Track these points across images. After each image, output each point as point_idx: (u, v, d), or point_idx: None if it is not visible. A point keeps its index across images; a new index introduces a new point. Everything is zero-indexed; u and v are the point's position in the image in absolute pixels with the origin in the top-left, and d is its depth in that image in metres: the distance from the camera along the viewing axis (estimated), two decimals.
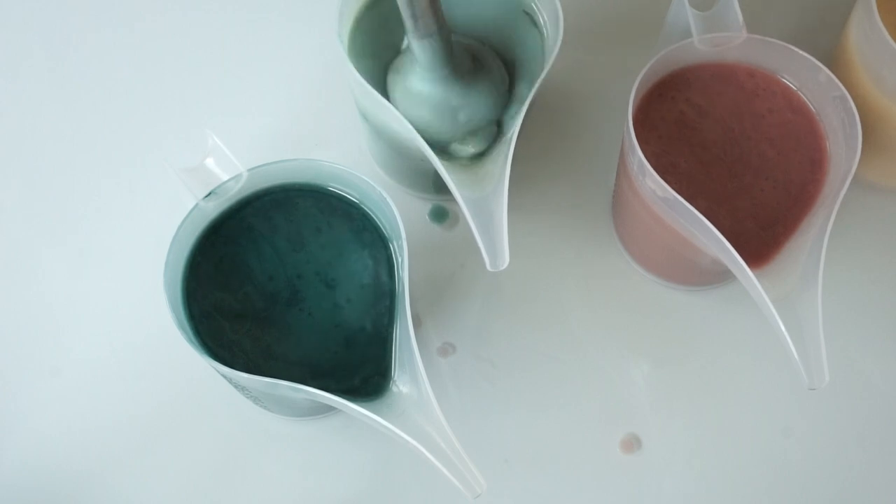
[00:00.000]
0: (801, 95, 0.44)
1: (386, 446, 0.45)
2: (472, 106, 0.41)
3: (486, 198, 0.38)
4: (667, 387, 0.48)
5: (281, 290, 0.40)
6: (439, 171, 0.39)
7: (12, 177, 0.52)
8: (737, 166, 0.43)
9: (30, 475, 0.45)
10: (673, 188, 0.39)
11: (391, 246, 0.40)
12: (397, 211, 0.38)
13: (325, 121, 0.53)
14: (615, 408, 0.47)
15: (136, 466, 0.45)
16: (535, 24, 0.43)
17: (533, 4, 0.43)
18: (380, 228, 0.41)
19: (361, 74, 0.40)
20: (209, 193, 0.39)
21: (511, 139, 0.39)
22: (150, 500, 0.45)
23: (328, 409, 0.44)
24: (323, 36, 0.45)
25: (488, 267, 0.37)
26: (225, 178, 0.39)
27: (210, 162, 0.39)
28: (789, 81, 0.45)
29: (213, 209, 0.40)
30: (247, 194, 0.41)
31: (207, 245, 0.40)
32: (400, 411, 0.36)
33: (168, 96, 0.54)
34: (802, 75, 0.44)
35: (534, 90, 0.40)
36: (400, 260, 0.40)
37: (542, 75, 0.40)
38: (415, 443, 0.34)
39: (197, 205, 0.39)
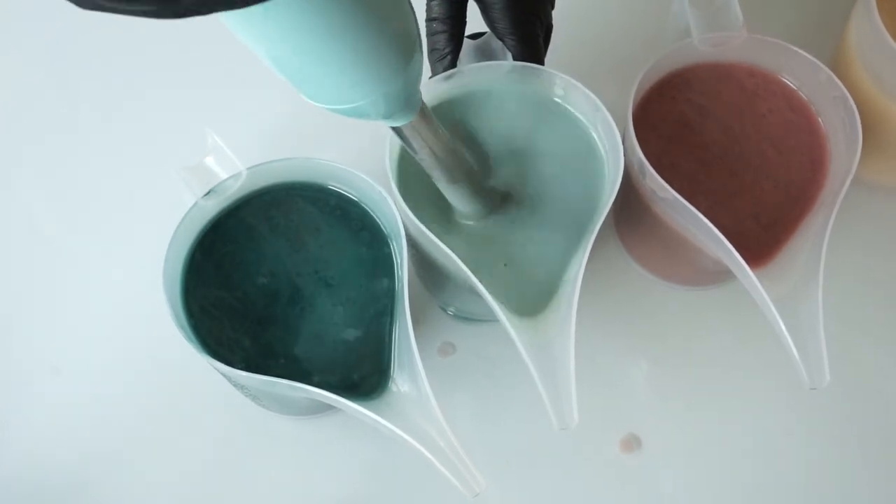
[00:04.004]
0: (802, 95, 0.44)
1: (385, 445, 0.45)
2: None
3: (550, 344, 0.35)
4: (667, 387, 0.47)
5: (280, 289, 0.39)
6: (500, 320, 0.36)
7: (12, 176, 0.52)
8: (737, 166, 0.43)
9: (30, 475, 0.45)
10: (673, 188, 0.39)
11: (390, 244, 0.40)
12: (396, 209, 0.38)
13: (324, 120, 0.52)
14: (615, 408, 0.47)
15: (135, 464, 0.45)
16: (598, 156, 0.41)
17: (595, 135, 0.41)
18: (379, 227, 0.41)
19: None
20: (209, 192, 0.39)
21: (576, 278, 0.36)
22: (149, 497, 0.45)
23: (327, 408, 0.44)
24: None
25: (555, 427, 0.34)
26: (224, 176, 0.39)
27: (210, 160, 0.39)
28: (789, 81, 0.44)
29: (213, 207, 0.40)
30: (246, 193, 0.41)
31: (207, 243, 0.40)
32: (399, 410, 0.36)
33: (168, 95, 0.54)
34: (802, 75, 0.44)
35: (595, 232, 0.37)
36: (399, 259, 0.40)
37: (602, 216, 0.38)
38: (413, 441, 0.34)
39: (196, 203, 0.39)
